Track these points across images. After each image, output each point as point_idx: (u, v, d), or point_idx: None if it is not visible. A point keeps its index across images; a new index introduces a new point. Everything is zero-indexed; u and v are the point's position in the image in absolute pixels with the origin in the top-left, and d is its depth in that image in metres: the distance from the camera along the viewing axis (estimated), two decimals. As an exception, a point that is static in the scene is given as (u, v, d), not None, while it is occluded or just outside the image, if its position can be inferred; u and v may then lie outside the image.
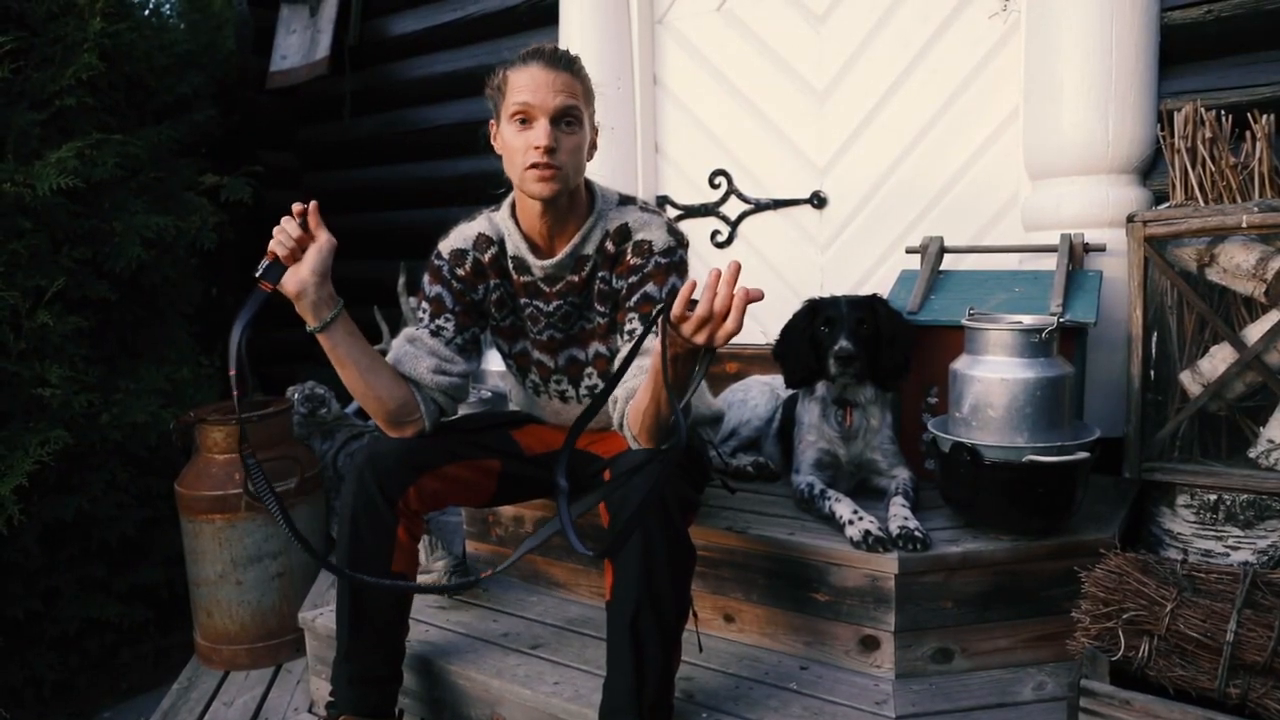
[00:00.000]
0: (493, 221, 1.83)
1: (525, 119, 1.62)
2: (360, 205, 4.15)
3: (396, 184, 3.97)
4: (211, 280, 4.14)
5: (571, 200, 1.73)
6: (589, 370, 1.87)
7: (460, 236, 1.83)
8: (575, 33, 3.06)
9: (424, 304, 1.81)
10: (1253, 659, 1.38)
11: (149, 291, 3.07)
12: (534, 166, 1.62)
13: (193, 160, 3.41)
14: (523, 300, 1.84)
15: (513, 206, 1.79)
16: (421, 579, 2.19)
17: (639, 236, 1.73)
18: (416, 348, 1.76)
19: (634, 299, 1.71)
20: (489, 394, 2.61)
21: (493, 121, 1.75)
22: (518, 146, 1.63)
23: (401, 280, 3.18)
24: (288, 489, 2.54)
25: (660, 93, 3.22)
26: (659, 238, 1.72)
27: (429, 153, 3.82)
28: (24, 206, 2.61)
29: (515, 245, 1.79)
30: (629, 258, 1.73)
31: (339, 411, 3.13)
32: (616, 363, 1.63)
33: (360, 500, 1.65)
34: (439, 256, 1.83)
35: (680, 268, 1.73)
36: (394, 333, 3.21)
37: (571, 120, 1.63)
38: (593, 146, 1.74)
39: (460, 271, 1.80)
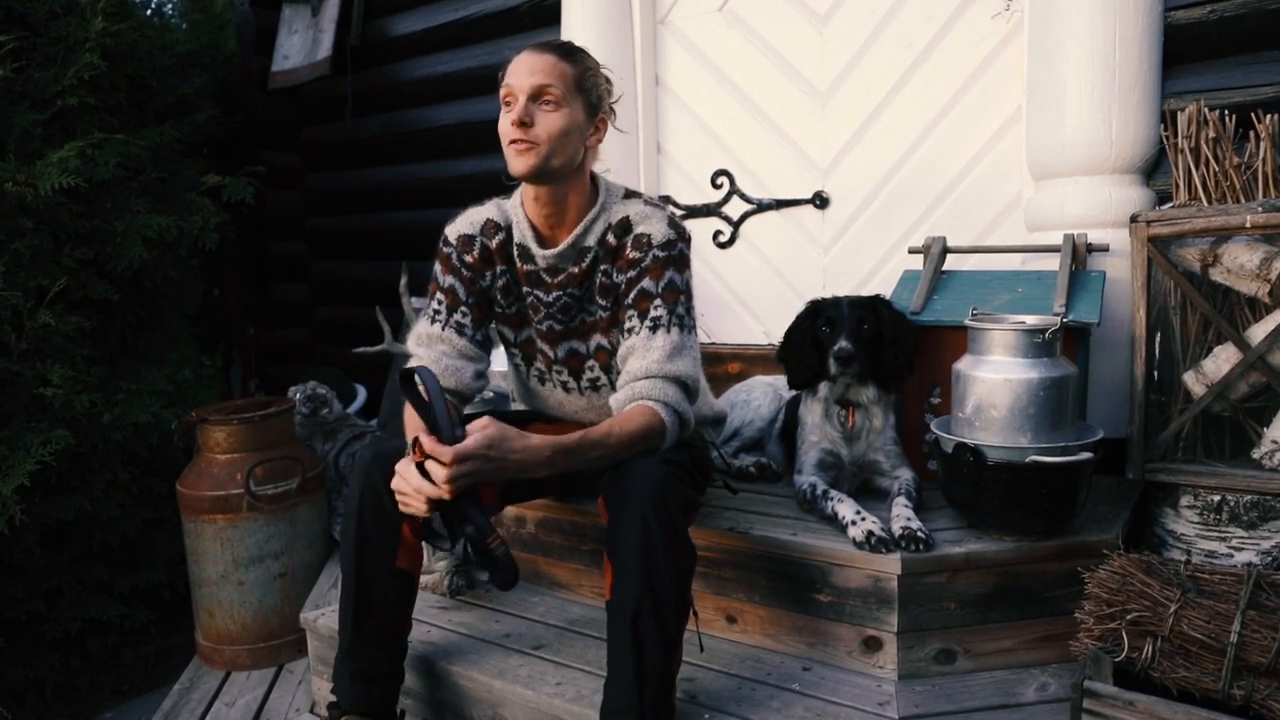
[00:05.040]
0: (502, 208, 1.84)
1: (509, 102, 1.66)
2: (362, 206, 4.15)
3: (398, 184, 3.98)
4: (213, 281, 4.15)
5: (571, 188, 1.73)
6: (590, 363, 1.87)
7: (468, 221, 1.84)
8: (577, 32, 3.06)
9: (438, 295, 1.81)
10: (1257, 660, 1.38)
11: (151, 292, 3.07)
12: (512, 143, 1.65)
13: (194, 160, 3.41)
14: (525, 289, 1.85)
15: (522, 195, 1.80)
16: (422, 579, 2.19)
17: (639, 230, 1.73)
18: (452, 358, 1.77)
19: (632, 295, 1.71)
20: (491, 394, 2.61)
21: None
22: (503, 128, 1.67)
23: (403, 280, 3.17)
24: (289, 489, 2.53)
25: (662, 93, 3.22)
26: (659, 231, 1.72)
27: (431, 153, 3.82)
28: (26, 206, 2.61)
29: (521, 233, 1.80)
30: (628, 251, 1.73)
31: (341, 412, 3.13)
32: None
33: (367, 497, 1.66)
34: (447, 243, 1.83)
35: (679, 261, 1.73)
36: (395, 333, 3.21)
37: (550, 99, 1.64)
38: (595, 134, 1.73)
39: (468, 258, 1.80)
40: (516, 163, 1.66)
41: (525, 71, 1.63)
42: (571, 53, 1.68)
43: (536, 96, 1.63)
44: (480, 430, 1.44)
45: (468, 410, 2.08)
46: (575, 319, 1.85)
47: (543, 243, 1.79)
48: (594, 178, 1.79)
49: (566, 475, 1.56)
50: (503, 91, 1.66)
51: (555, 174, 1.68)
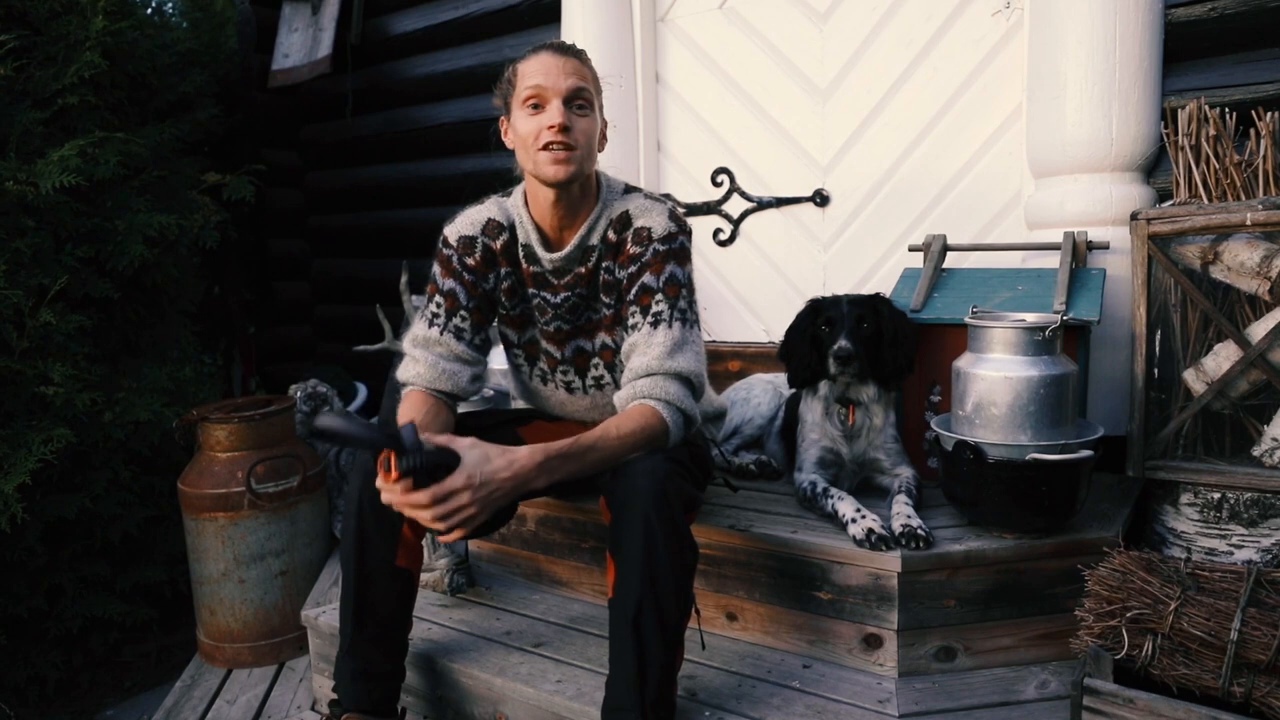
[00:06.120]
0: (503, 207, 1.82)
1: (538, 103, 1.63)
2: (362, 204, 4.15)
3: (398, 182, 3.98)
4: (214, 279, 4.15)
5: (583, 190, 1.73)
6: (595, 361, 1.87)
7: (468, 222, 1.81)
8: (577, 31, 3.06)
9: (436, 298, 1.78)
10: (1257, 658, 1.38)
11: (151, 290, 3.07)
12: (548, 148, 1.61)
13: (195, 159, 3.41)
14: (530, 290, 1.84)
15: (525, 196, 1.78)
16: (423, 577, 2.20)
17: (639, 224, 1.72)
18: (448, 361, 1.76)
19: (633, 290, 1.70)
20: (491, 392, 2.62)
21: (503, 118, 1.74)
22: (530, 130, 1.63)
23: (404, 279, 3.18)
24: (290, 487, 2.54)
25: (662, 91, 3.22)
26: (659, 224, 1.71)
27: (431, 151, 3.82)
28: (27, 205, 2.61)
29: (526, 234, 1.78)
30: (629, 246, 1.72)
31: (341, 410, 3.13)
32: None
33: (366, 496, 1.65)
34: (446, 244, 1.80)
35: (680, 255, 1.71)
36: (396, 331, 3.21)
37: (584, 103, 1.64)
38: (603, 138, 1.74)
39: (470, 260, 1.78)
40: (555, 170, 1.63)
41: (559, 74, 1.61)
42: (585, 55, 1.69)
43: (571, 100, 1.62)
44: (466, 450, 1.41)
45: (463, 408, 2.10)
46: (582, 318, 1.84)
47: (548, 245, 1.78)
48: (596, 174, 1.79)
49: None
50: (527, 93, 1.62)
51: (582, 178, 1.68)
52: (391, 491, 1.39)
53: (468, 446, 1.42)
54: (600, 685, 1.58)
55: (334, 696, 1.71)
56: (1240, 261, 1.89)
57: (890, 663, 1.77)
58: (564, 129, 1.60)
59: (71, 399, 2.62)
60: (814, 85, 2.89)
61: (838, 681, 1.75)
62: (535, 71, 1.62)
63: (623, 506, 1.52)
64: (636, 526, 1.49)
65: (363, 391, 3.87)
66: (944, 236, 2.39)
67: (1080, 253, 2.19)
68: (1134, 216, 2.00)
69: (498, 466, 1.42)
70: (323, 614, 2.17)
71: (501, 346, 1.98)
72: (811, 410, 2.08)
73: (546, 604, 2.18)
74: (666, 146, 3.25)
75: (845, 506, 1.87)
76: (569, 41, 1.72)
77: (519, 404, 2.15)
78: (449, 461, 1.39)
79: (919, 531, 1.76)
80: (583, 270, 1.78)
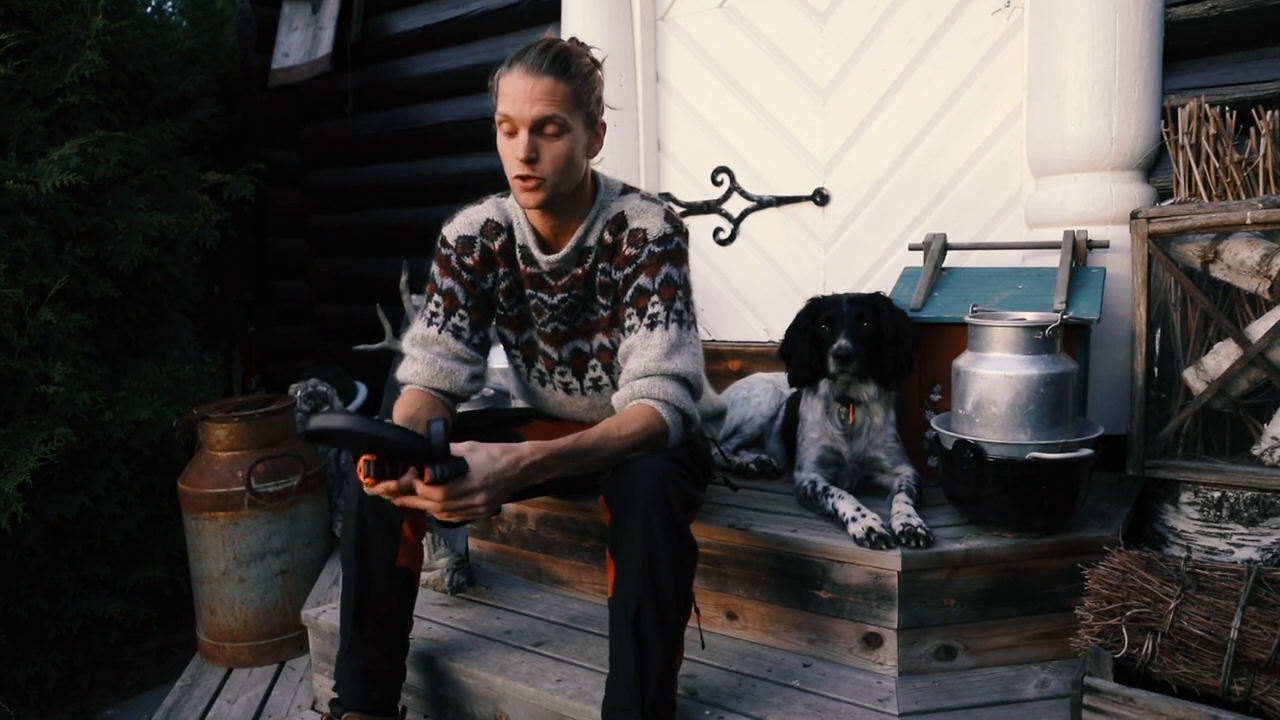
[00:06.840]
0: (502, 208, 1.82)
1: (509, 130, 1.62)
2: (362, 203, 4.15)
3: (399, 181, 3.98)
4: (214, 278, 4.15)
5: (573, 199, 1.72)
6: (593, 362, 1.87)
7: (466, 222, 1.81)
8: (577, 30, 3.05)
9: (435, 297, 1.78)
10: (1257, 656, 1.38)
11: (152, 289, 3.07)
12: (518, 178, 1.63)
13: (195, 158, 3.42)
14: (528, 291, 1.84)
15: None
16: (423, 577, 2.20)
17: (634, 225, 1.72)
18: (446, 359, 1.76)
19: (629, 293, 1.70)
20: (491, 391, 2.62)
21: None
22: (505, 154, 1.64)
23: (404, 278, 3.18)
24: (290, 487, 2.54)
25: (662, 90, 3.22)
26: (654, 225, 1.71)
27: (431, 150, 3.82)
28: (27, 204, 2.61)
29: (523, 235, 1.78)
30: (625, 248, 1.72)
31: (341, 409, 3.13)
32: None
33: (367, 496, 1.64)
34: (445, 244, 1.80)
35: (675, 256, 1.71)
36: (396, 330, 3.21)
37: (553, 129, 1.60)
38: (596, 142, 1.71)
39: (469, 260, 1.78)
40: (525, 198, 1.64)
41: (525, 100, 1.57)
42: (566, 66, 1.61)
43: (539, 128, 1.60)
44: (468, 454, 1.40)
45: (466, 407, 2.09)
46: (579, 319, 1.84)
47: (545, 247, 1.78)
48: (593, 175, 1.78)
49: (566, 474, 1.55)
50: (499, 117, 1.62)
51: (560, 198, 1.67)
52: (391, 491, 1.39)
53: (467, 450, 1.41)
54: (600, 684, 1.59)
55: (334, 696, 1.71)
56: (1240, 260, 1.89)
57: (890, 662, 1.77)
58: (528, 162, 1.59)
59: (72, 398, 2.62)
60: (814, 84, 2.89)
61: (838, 680, 1.76)
62: (506, 95, 1.60)
63: (623, 506, 1.53)
64: (636, 526, 1.49)
65: (363, 391, 3.87)
66: (944, 235, 2.39)
67: (1080, 252, 2.19)
68: (1134, 215, 2.00)
69: (504, 465, 1.43)
70: (323, 613, 2.18)
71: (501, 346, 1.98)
72: (812, 409, 2.08)
73: (547, 603, 2.18)
74: (666, 145, 3.25)
75: (845, 505, 1.87)
76: (562, 40, 1.69)
77: (519, 404, 2.14)
78: (461, 469, 1.40)
79: (919, 530, 1.76)
80: (579, 272, 1.78)
